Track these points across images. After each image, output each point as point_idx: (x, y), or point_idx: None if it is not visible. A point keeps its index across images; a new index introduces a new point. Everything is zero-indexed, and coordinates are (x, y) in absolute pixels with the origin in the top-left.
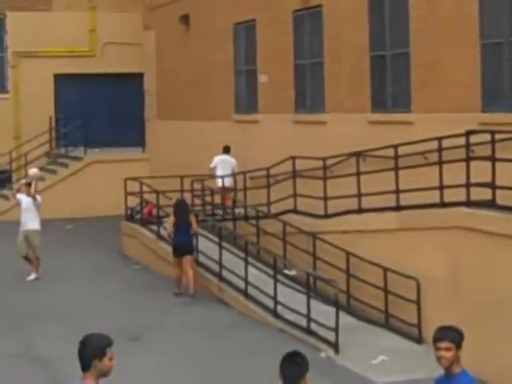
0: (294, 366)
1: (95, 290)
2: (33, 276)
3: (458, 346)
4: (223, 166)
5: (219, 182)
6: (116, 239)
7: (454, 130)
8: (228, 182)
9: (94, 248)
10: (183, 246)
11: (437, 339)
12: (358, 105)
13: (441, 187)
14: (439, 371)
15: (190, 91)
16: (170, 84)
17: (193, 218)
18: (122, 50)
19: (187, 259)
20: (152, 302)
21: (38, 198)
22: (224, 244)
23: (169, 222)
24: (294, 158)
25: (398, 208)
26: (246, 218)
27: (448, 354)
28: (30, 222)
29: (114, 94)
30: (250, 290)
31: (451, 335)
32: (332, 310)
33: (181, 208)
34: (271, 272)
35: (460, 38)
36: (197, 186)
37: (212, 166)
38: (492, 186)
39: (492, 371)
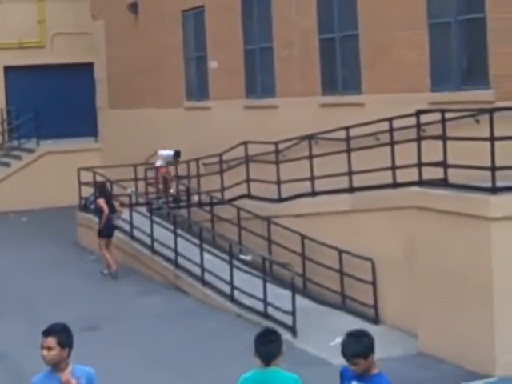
0: (270, 344)
1: (52, 282)
2: None
3: (367, 356)
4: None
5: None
6: (71, 230)
7: (404, 111)
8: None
9: (50, 239)
10: (112, 228)
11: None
12: (309, 88)
13: (393, 168)
14: (397, 352)
15: (141, 79)
16: (120, 73)
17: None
18: (71, 40)
19: (110, 241)
20: (108, 292)
21: None
22: (179, 231)
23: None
24: (246, 143)
25: (351, 190)
26: (200, 204)
27: (357, 366)
28: None
29: (65, 84)
30: (207, 277)
31: (359, 350)
32: (288, 293)
33: (105, 192)
34: (227, 258)
35: (408, 19)
36: (150, 173)
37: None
38: (444, 164)
39: (449, 348)
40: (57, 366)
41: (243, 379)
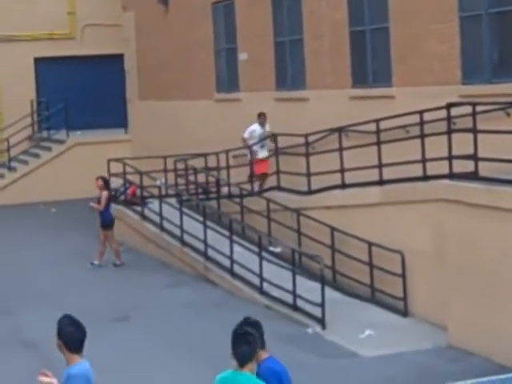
0: (245, 345)
1: (81, 273)
2: None
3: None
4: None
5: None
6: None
7: (434, 103)
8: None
9: (79, 230)
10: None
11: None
12: (339, 81)
13: (423, 160)
14: (426, 345)
15: (171, 71)
16: (150, 64)
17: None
18: (101, 32)
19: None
20: (139, 283)
21: None
22: (209, 223)
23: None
24: (276, 136)
25: (381, 182)
26: (229, 196)
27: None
28: None
29: (95, 75)
30: (236, 268)
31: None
32: (317, 285)
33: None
34: (256, 249)
35: (439, 11)
36: (180, 165)
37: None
38: (474, 157)
39: (478, 341)
40: None
41: (218, 379)
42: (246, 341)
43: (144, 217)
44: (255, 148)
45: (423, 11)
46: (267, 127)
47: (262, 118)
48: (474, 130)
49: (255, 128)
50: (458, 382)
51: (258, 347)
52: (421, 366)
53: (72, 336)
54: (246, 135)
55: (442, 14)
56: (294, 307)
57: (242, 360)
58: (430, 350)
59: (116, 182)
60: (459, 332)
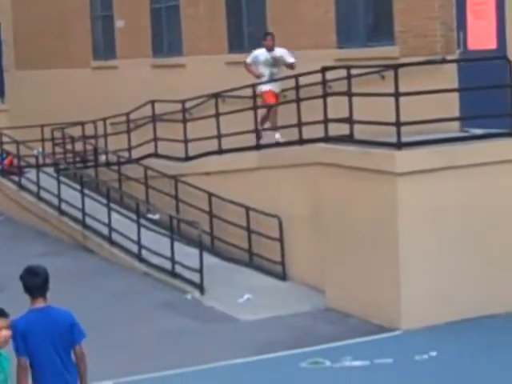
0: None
1: None
2: None
3: None
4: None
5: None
6: None
7: (310, 67)
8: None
9: None
10: None
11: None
12: (216, 46)
13: (299, 124)
14: (304, 308)
15: (48, 40)
16: (27, 33)
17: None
18: None
19: None
20: (14, 253)
21: None
22: (86, 191)
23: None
24: (153, 102)
25: (257, 147)
26: (107, 164)
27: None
28: None
29: None
30: (114, 236)
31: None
32: (196, 251)
33: None
34: (134, 217)
35: None
36: (57, 134)
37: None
38: (349, 121)
39: (356, 303)
40: None
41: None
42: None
43: (21, 186)
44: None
45: None
46: (277, 52)
47: (268, 39)
48: (349, 94)
49: (259, 52)
50: (336, 343)
51: (48, 280)
52: (300, 328)
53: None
54: (248, 60)
55: None
56: (173, 273)
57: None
58: (309, 313)
59: None
60: (337, 295)
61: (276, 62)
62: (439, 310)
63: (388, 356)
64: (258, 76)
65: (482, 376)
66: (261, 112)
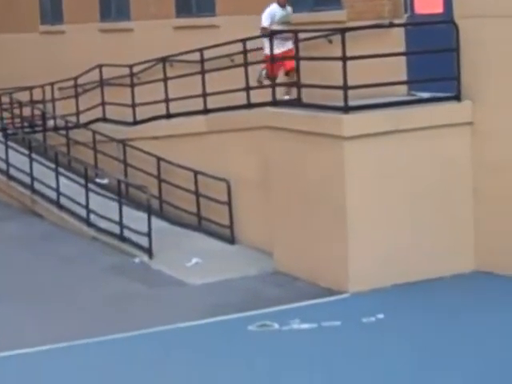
0: None
1: None
2: None
3: None
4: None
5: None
6: None
7: (258, 32)
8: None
9: None
10: None
11: None
12: (164, 10)
13: (247, 88)
14: (253, 271)
15: None
16: None
17: None
18: None
19: None
20: None
21: None
22: (35, 156)
23: None
24: (101, 67)
25: (205, 111)
26: (55, 128)
27: None
28: None
29: None
30: (63, 201)
31: None
32: (145, 215)
33: None
34: (83, 181)
35: None
36: (5, 99)
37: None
38: (297, 84)
39: (304, 266)
40: None
41: None
42: None
43: None
44: (277, 41)
45: None
46: (289, 9)
47: None
48: (297, 58)
49: (274, 10)
50: (284, 306)
51: None
52: (248, 291)
53: None
54: (265, 23)
55: None
56: (121, 238)
57: None
58: (257, 276)
59: None
60: (285, 258)
61: (288, 22)
62: (386, 272)
63: (336, 319)
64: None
65: (428, 337)
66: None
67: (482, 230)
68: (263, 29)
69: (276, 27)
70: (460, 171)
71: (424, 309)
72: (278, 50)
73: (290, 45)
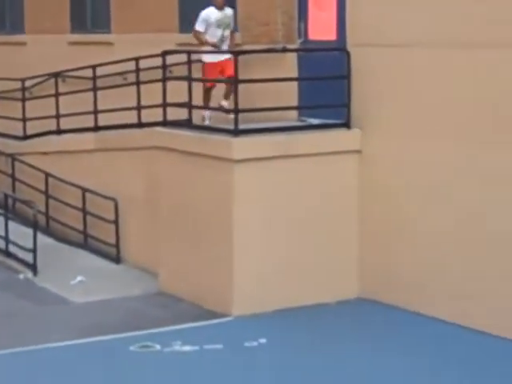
0: None
1: None
2: None
3: None
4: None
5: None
6: None
7: (152, 51)
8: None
9: None
10: None
11: None
12: (58, 25)
13: (138, 107)
14: (137, 291)
15: None
16: None
17: None
18: None
19: None
20: None
21: None
22: None
23: None
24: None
25: (96, 128)
26: None
27: None
28: None
29: None
30: None
31: None
32: (31, 231)
33: None
34: None
35: None
36: None
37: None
38: (188, 105)
39: (188, 288)
40: None
41: None
42: None
43: None
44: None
45: None
46: (229, 11)
47: None
48: (189, 78)
49: (209, 12)
50: (167, 327)
51: None
52: (131, 311)
53: None
54: (198, 27)
55: None
56: (7, 253)
57: None
58: (141, 296)
59: None
60: (170, 278)
61: (228, 24)
62: (271, 297)
63: (218, 342)
64: (214, 45)
65: (308, 364)
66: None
67: (367, 257)
68: (195, 32)
69: (213, 31)
70: (347, 198)
71: (306, 335)
72: (214, 60)
73: (227, 55)
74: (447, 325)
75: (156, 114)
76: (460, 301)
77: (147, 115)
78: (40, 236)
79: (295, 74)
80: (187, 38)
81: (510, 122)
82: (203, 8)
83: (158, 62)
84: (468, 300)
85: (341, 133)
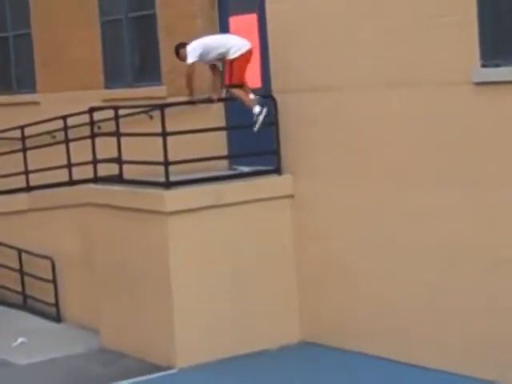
0: None
1: None
2: None
3: None
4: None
5: None
6: None
7: (79, 108)
8: None
9: None
10: None
11: None
12: None
13: (69, 165)
14: (79, 349)
15: None
16: None
17: None
18: None
19: None
20: None
21: None
22: None
23: None
24: None
25: (28, 189)
26: None
27: None
28: None
29: None
30: None
31: None
32: None
33: None
34: None
35: (81, 16)
36: None
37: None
38: (118, 160)
39: (131, 343)
40: None
41: None
42: None
43: None
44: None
45: (65, 16)
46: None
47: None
48: (118, 134)
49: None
50: None
51: None
52: (74, 370)
53: None
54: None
55: (84, 18)
56: None
57: None
58: (84, 354)
59: None
60: (111, 335)
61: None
62: (213, 347)
63: None
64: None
65: None
66: None
67: (306, 301)
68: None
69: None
70: (282, 243)
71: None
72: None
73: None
74: (392, 363)
75: (87, 171)
76: (400, 337)
77: (79, 172)
78: None
79: (222, 124)
80: (113, 93)
81: (435, 161)
82: (126, 63)
83: (86, 118)
84: (409, 336)
85: (272, 179)
